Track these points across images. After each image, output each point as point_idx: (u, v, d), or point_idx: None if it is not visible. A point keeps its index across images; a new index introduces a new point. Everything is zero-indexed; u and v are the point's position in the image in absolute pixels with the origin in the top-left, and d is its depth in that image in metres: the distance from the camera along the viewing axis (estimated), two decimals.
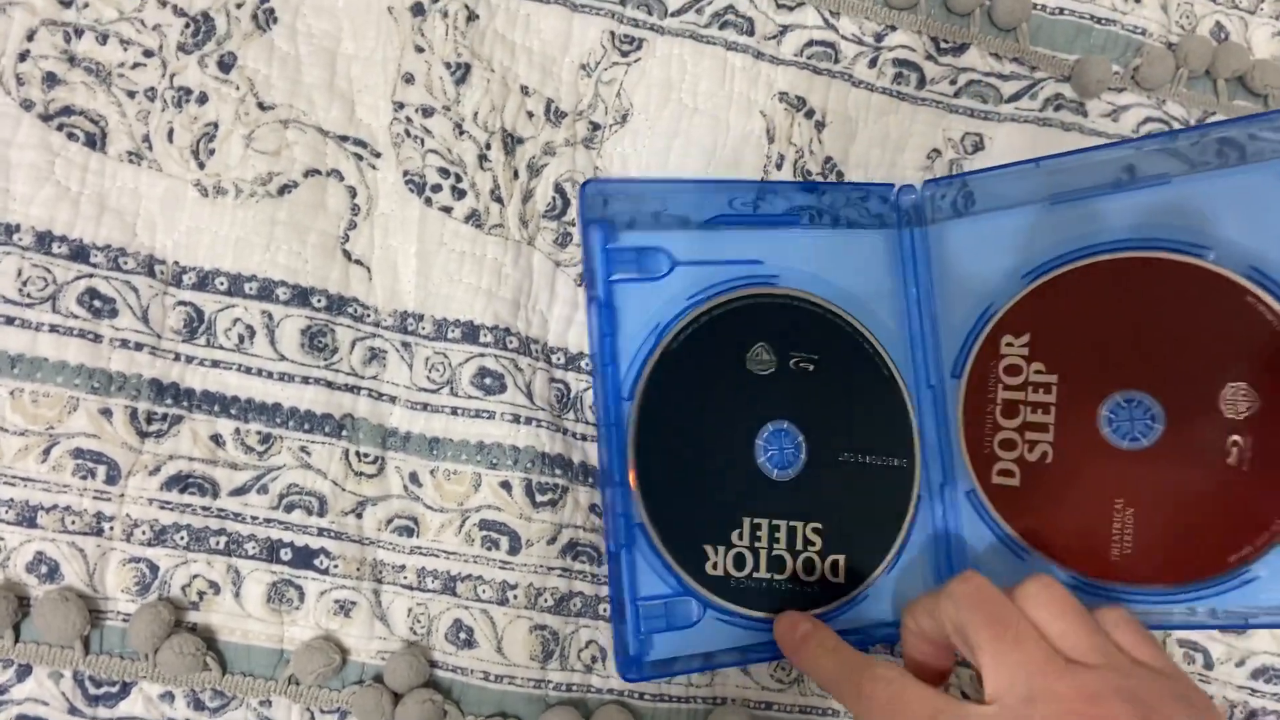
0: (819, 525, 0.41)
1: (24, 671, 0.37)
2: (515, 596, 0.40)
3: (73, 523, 0.38)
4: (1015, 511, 0.42)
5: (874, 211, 0.43)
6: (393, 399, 0.41)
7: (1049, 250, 0.42)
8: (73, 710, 0.37)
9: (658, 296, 0.41)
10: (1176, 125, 0.47)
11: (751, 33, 0.44)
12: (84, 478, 0.38)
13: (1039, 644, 0.31)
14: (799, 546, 0.40)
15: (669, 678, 0.41)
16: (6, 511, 0.37)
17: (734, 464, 0.41)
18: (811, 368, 0.42)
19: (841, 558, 0.41)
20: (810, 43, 0.45)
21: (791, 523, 0.41)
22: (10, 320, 0.38)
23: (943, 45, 0.46)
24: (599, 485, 0.41)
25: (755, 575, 0.40)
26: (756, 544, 0.40)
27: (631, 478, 0.40)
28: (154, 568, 0.38)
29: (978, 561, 0.42)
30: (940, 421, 0.43)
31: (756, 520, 0.40)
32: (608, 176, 0.43)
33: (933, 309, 0.43)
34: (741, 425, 0.41)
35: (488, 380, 0.41)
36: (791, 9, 0.45)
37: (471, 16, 0.42)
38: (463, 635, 0.40)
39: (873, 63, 0.45)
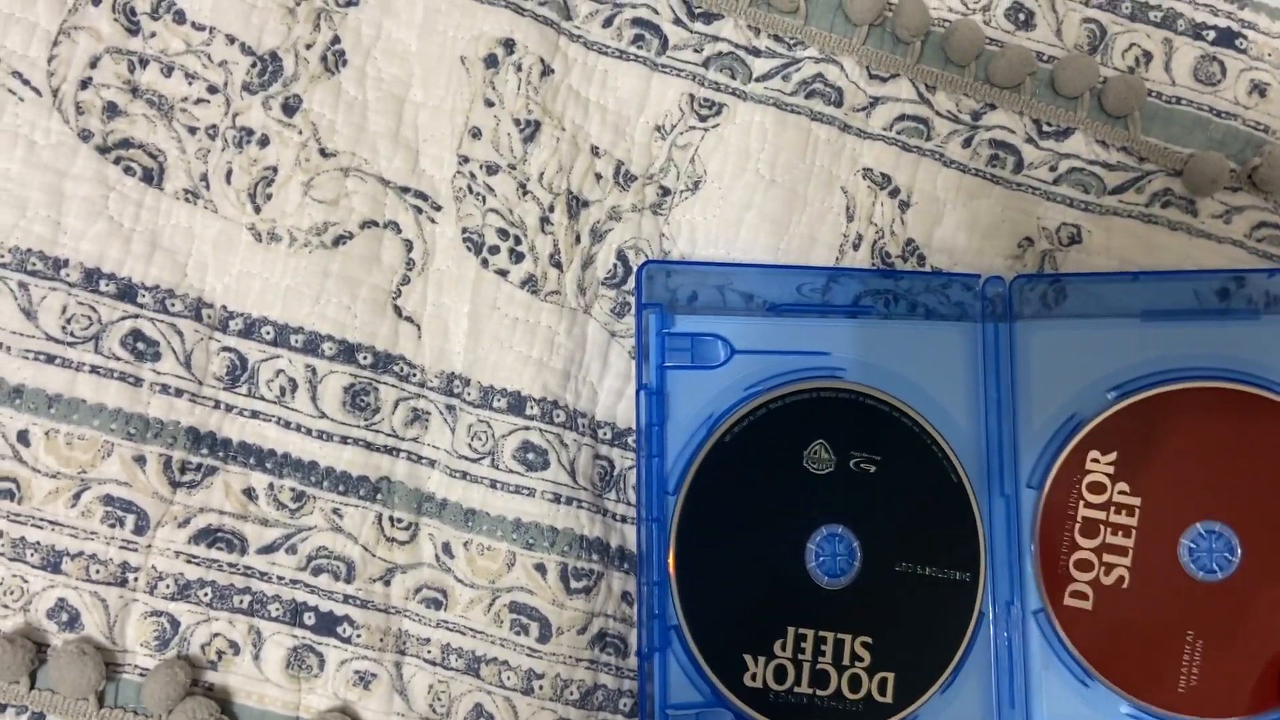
0: (869, 639, 0.40)
1: None
2: (541, 687, 0.40)
3: (97, 572, 0.38)
4: (1085, 636, 0.41)
5: (955, 300, 0.42)
6: (432, 462, 0.41)
7: (1140, 368, 0.42)
8: None
9: (713, 386, 0.41)
10: None
11: (840, 104, 0.43)
12: (112, 526, 0.38)
13: None
14: (846, 661, 0.40)
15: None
16: (32, 554, 0.38)
17: (782, 568, 0.40)
18: (873, 469, 0.41)
19: (891, 675, 0.40)
20: (901, 117, 0.44)
21: (840, 635, 0.40)
22: (51, 359, 0.39)
23: (1045, 128, 0.44)
24: (635, 580, 0.41)
25: (796, 690, 0.39)
26: (800, 656, 0.40)
27: (670, 576, 0.39)
28: (175, 623, 0.39)
29: (1038, 686, 0.41)
30: (1012, 535, 0.42)
31: (802, 630, 0.40)
32: (668, 257, 0.43)
33: (1013, 412, 0.42)
34: (793, 527, 0.40)
35: (530, 455, 0.41)
36: (885, 80, 0.44)
37: (546, 71, 0.42)
38: None
39: (967, 142, 0.44)
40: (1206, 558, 0.40)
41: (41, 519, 0.38)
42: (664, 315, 0.41)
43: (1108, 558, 0.41)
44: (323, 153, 0.41)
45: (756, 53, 0.43)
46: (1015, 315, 0.42)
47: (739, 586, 0.40)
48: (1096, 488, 0.41)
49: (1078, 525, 0.41)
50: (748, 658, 0.39)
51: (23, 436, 0.38)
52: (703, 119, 0.43)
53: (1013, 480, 0.42)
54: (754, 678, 0.39)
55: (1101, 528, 0.41)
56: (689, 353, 0.41)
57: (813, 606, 0.40)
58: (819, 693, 0.40)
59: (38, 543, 0.38)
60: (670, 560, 0.40)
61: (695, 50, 0.43)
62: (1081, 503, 0.41)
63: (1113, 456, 0.41)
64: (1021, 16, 0.45)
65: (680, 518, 0.40)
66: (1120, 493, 0.41)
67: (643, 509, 0.40)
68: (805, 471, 0.41)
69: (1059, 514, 0.41)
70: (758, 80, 0.43)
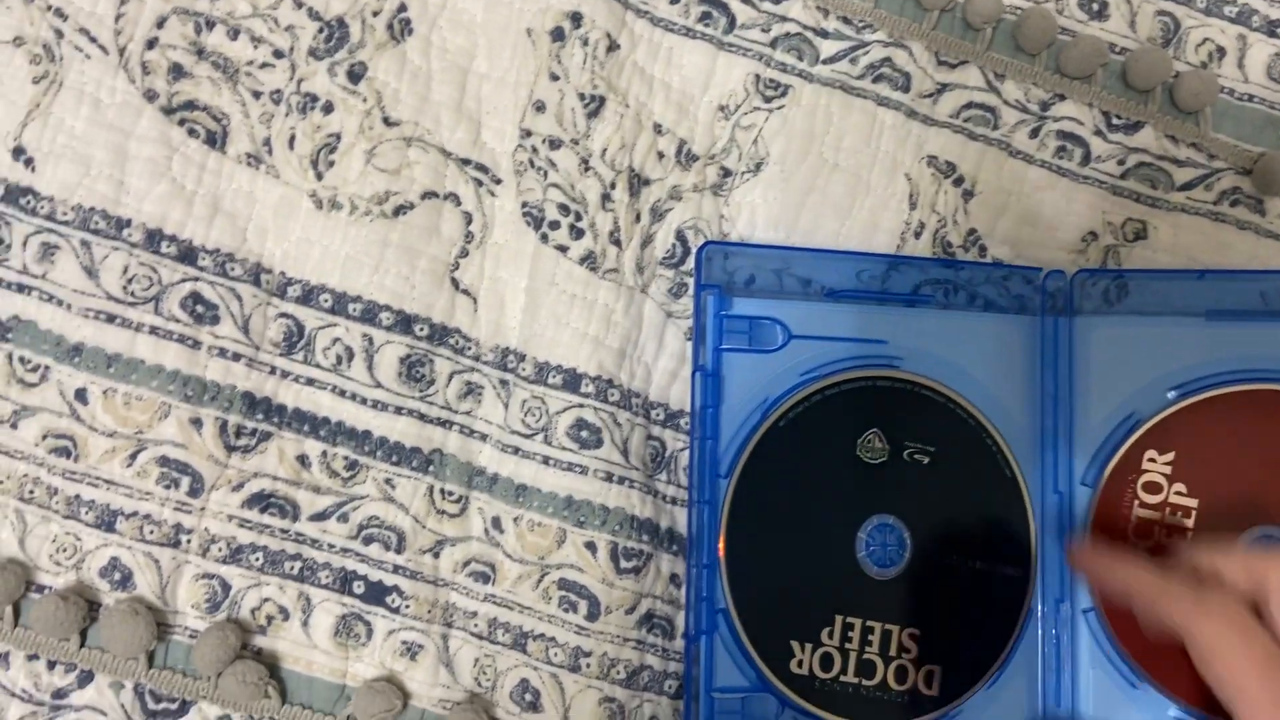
0: (916, 631, 0.40)
1: (85, 678, 0.38)
2: (588, 665, 0.40)
3: (151, 532, 0.38)
4: (1135, 636, 0.40)
5: (1015, 293, 0.42)
6: (484, 436, 0.41)
7: (1202, 368, 0.41)
8: None
9: (769, 370, 0.41)
10: None
11: (907, 89, 0.43)
12: (167, 487, 0.39)
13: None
14: (893, 652, 0.40)
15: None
16: (86, 513, 0.38)
17: (832, 557, 0.40)
18: (926, 460, 0.41)
19: (938, 669, 0.40)
20: (969, 105, 0.43)
21: (887, 625, 0.40)
22: (111, 318, 0.39)
23: (1114, 121, 0.44)
24: (685, 562, 0.41)
25: (842, 679, 0.39)
26: (847, 645, 0.39)
27: (720, 560, 0.39)
28: (226, 586, 0.39)
29: (1085, 685, 0.41)
30: (1064, 532, 0.41)
31: (850, 619, 0.40)
32: (726, 239, 0.42)
33: (1070, 408, 0.41)
34: (844, 516, 0.40)
35: (584, 434, 0.41)
36: (953, 67, 0.43)
37: (612, 46, 0.42)
38: (528, 697, 0.40)
39: (1035, 132, 0.44)
40: None
41: (97, 478, 0.38)
42: (722, 297, 0.41)
43: (1161, 558, 0.40)
44: (386, 121, 0.41)
45: (824, 34, 0.43)
46: (1076, 310, 0.42)
47: (788, 573, 0.40)
48: (1152, 488, 0.41)
49: (1132, 525, 0.41)
50: (795, 644, 0.39)
51: (81, 395, 0.38)
52: (767, 100, 0.43)
53: (1067, 477, 0.41)
54: (800, 664, 0.39)
55: (1156, 528, 0.41)
56: (746, 335, 0.41)
57: (862, 596, 0.40)
58: (865, 682, 0.40)
59: (93, 501, 0.38)
60: (720, 544, 0.39)
61: (763, 30, 0.42)
62: (1136, 502, 0.41)
63: (1170, 456, 0.41)
64: (1095, 6, 0.44)
65: (732, 502, 0.40)
66: (1177, 493, 0.41)
67: (694, 491, 0.40)
68: (858, 460, 0.40)
69: (1113, 513, 0.41)
70: (824, 62, 0.43)
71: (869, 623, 0.40)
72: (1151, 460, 0.41)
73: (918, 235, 0.43)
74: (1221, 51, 0.44)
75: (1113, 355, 0.42)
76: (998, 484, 0.41)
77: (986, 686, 0.40)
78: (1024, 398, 0.42)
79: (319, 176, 0.40)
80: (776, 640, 0.39)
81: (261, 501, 0.39)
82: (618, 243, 0.41)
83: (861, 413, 0.41)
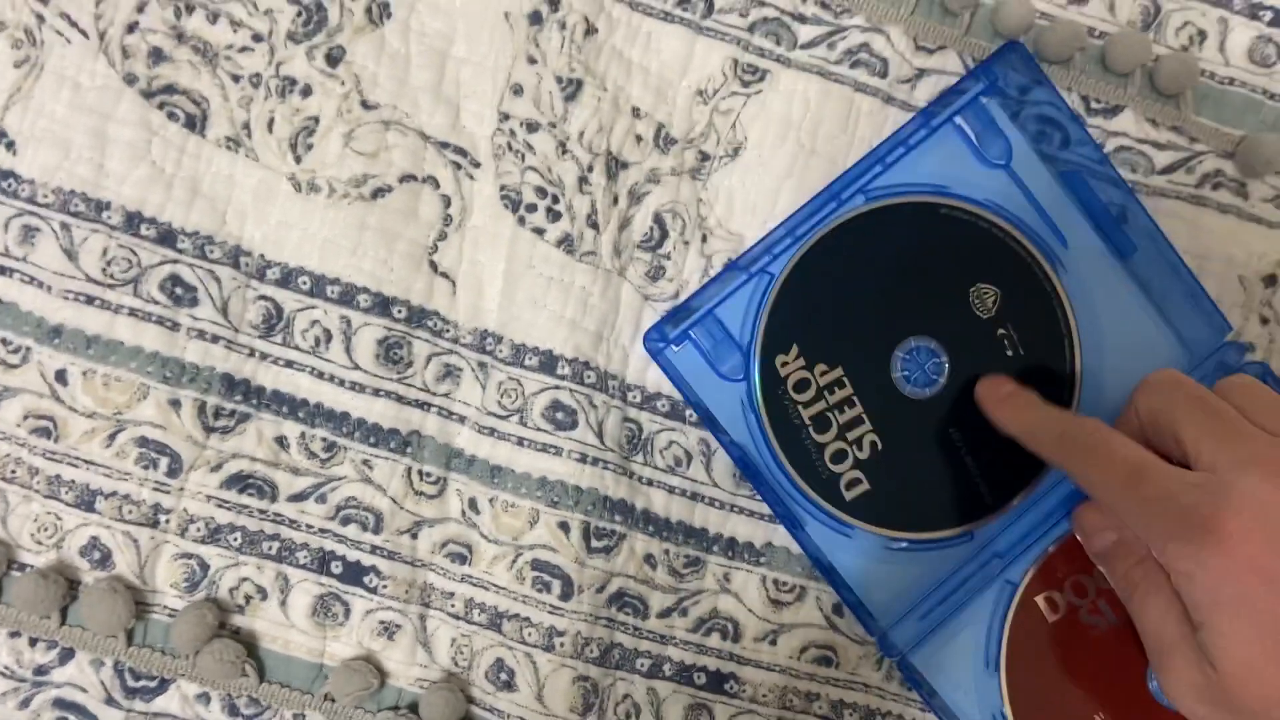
0: (880, 442, 0.40)
1: (66, 655, 0.38)
2: (562, 644, 0.40)
3: (130, 512, 0.39)
4: (1028, 637, 0.40)
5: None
6: (462, 419, 0.41)
7: None
8: (110, 700, 0.38)
9: (964, 171, 0.41)
10: None
11: (885, 75, 0.43)
12: (146, 468, 0.39)
13: (1242, 421, 0.33)
14: (852, 437, 0.40)
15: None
16: (66, 492, 0.39)
17: (876, 327, 0.41)
18: (1011, 353, 0.40)
19: (867, 486, 0.40)
20: (947, 90, 0.43)
21: (869, 417, 0.40)
22: (91, 300, 0.39)
23: (1094, 105, 0.44)
24: (659, 535, 0.41)
25: (800, 406, 0.39)
26: (829, 395, 0.40)
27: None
28: (205, 566, 0.39)
29: (968, 616, 0.40)
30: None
31: (851, 381, 0.40)
32: (704, 223, 0.42)
33: None
34: (899, 319, 0.41)
35: (559, 415, 0.41)
36: (931, 52, 0.43)
37: (590, 30, 0.42)
38: (503, 676, 0.40)
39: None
40: None
41: (77, 458, 0.39)
42: (992, 86, 0.41)
43: (1092, 617, 0.40)
44: (364, 105, 0.41)
45: (802, 19, 0.43)
46: None
47: (841, 308, 0.40)
48: None
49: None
50: (797, 348, 0.40)
51: (61, 376, 0.39)
52: (745, 85, 0.42)
53: None
54: (784, 365, 0.40)
55: None
56: (978, 133, 0.41)
57: (876, 382, 0.40)
58: (812, 432, 0.40)
59: (73, 481, 0.39)
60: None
61: (740, 15, 0.42)
62: None
63: None
64: None
65: (841, 224, 0.40)
66: None
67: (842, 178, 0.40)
68: (968, 307, 0.40)
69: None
70: (802, 47, 0.43)
71: (857, 400, 0.40)
72: None
73: None
74: (1203, 35, 0.44)
75: None
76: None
77: (901, 546, 0.40)
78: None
79: (298, 160, 0.40)
80: (792, 332, 0.40)
81: (240, 482, 0.39)
82: (595, 225, 0.41)
83: (978, 265, 0.41)
